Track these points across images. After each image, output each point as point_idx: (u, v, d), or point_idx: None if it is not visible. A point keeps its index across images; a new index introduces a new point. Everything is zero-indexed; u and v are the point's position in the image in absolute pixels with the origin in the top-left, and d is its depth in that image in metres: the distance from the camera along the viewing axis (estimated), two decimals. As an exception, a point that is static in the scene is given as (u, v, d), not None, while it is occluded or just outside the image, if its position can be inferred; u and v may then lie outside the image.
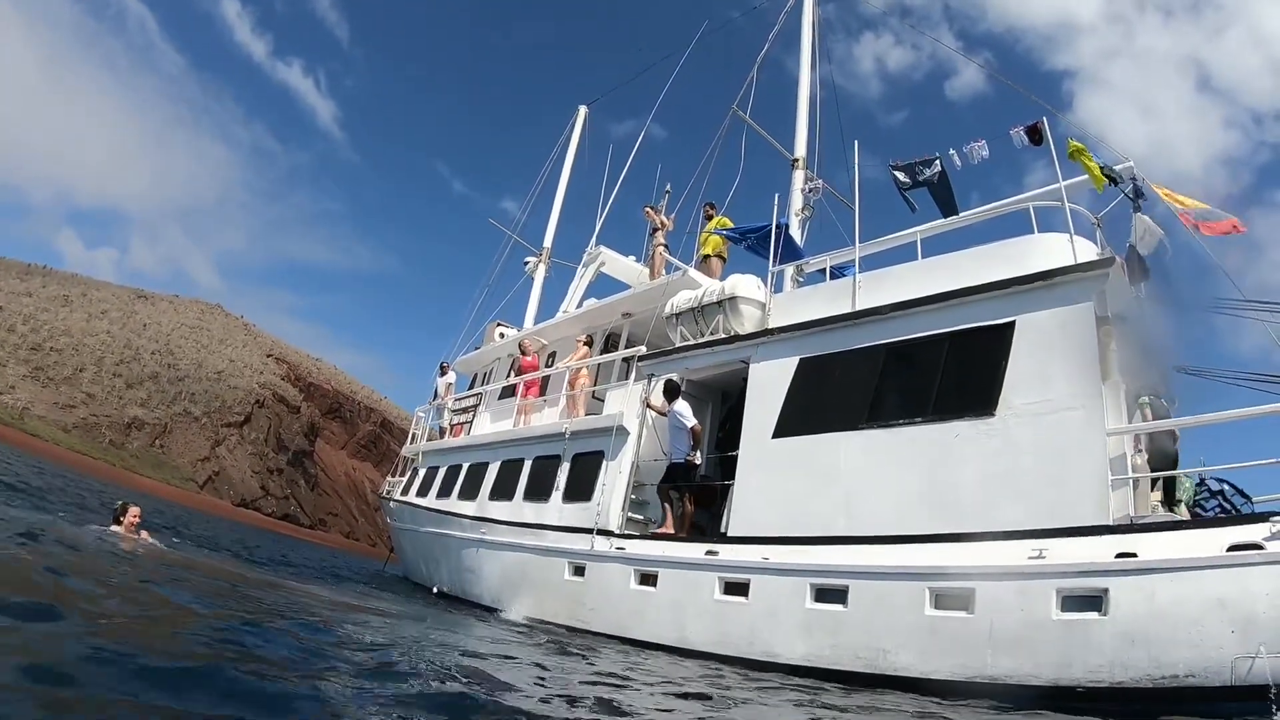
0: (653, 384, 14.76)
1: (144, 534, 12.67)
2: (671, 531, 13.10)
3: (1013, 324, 9.98)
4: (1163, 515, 8.94)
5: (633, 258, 22.77)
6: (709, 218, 19.02)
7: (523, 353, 20.27)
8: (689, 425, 13.27)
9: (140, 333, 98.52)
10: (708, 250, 18.54)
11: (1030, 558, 8.36)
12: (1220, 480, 9.62)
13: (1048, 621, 7.97)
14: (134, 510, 12.63)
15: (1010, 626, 8.20)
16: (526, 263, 29.36)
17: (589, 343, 18.52)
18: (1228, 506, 9.40)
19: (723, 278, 15.91)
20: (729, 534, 12.06)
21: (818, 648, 9.85)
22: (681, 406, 13.49)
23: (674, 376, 14.27)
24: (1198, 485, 9.75)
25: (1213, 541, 7.51)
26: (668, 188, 20.72)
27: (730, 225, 17.70)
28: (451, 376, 25.86)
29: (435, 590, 19.47)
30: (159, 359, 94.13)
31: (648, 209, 20.14)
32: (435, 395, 25.50)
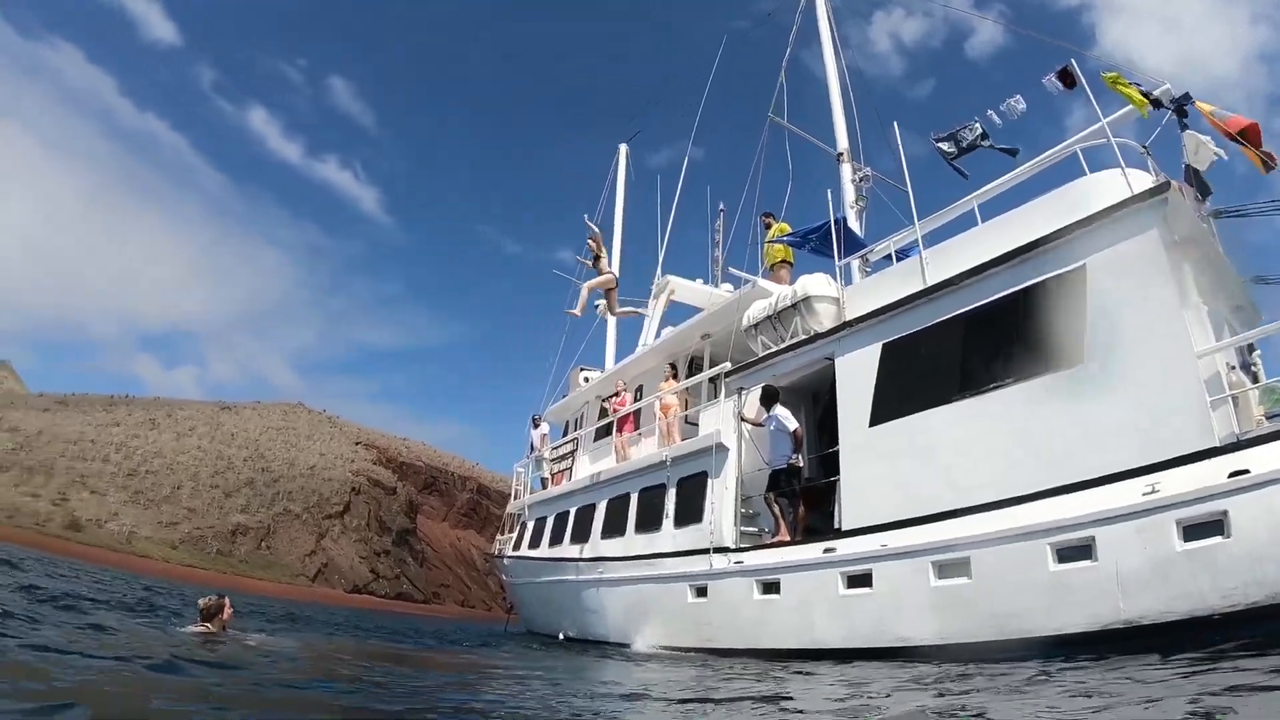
0: (744, 397, 14.91)
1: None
2: (787, 538, 13.15)
3: (1083, 267, 9.92)
4: (1269, 427, 8.81)
5: (699, 280, 22.98)
6: (768, 227, 19.15)
7: (616, 391, 20.49)
8: (791, 428, 13.40)
9: (229, 442, 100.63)
10: (774, 259, 18.68)
11: (1144, 494, 8.28)
12: None
13: (1172, 555, 7.87)
14: (227, 602, 11.10)
15: (1136, 567, 8.12)
16: (596, 306, 29.65)
17: (674, 371, 18.68)
18: None
19: (791, 281, 15.99)
20: (843, 528, 12.08)
21: (948, 624, 9.84)
22: (782, 411, 13.62)
23: (769, 383, 14.38)
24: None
25: None
26: (721, 206, 20.87)
27: (789, 230, 17.82)
28: (545, 427, 26.13)
29: (561, 636, 19.65)
30: (252, 464, 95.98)
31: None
32: (531, 449, 25.78)
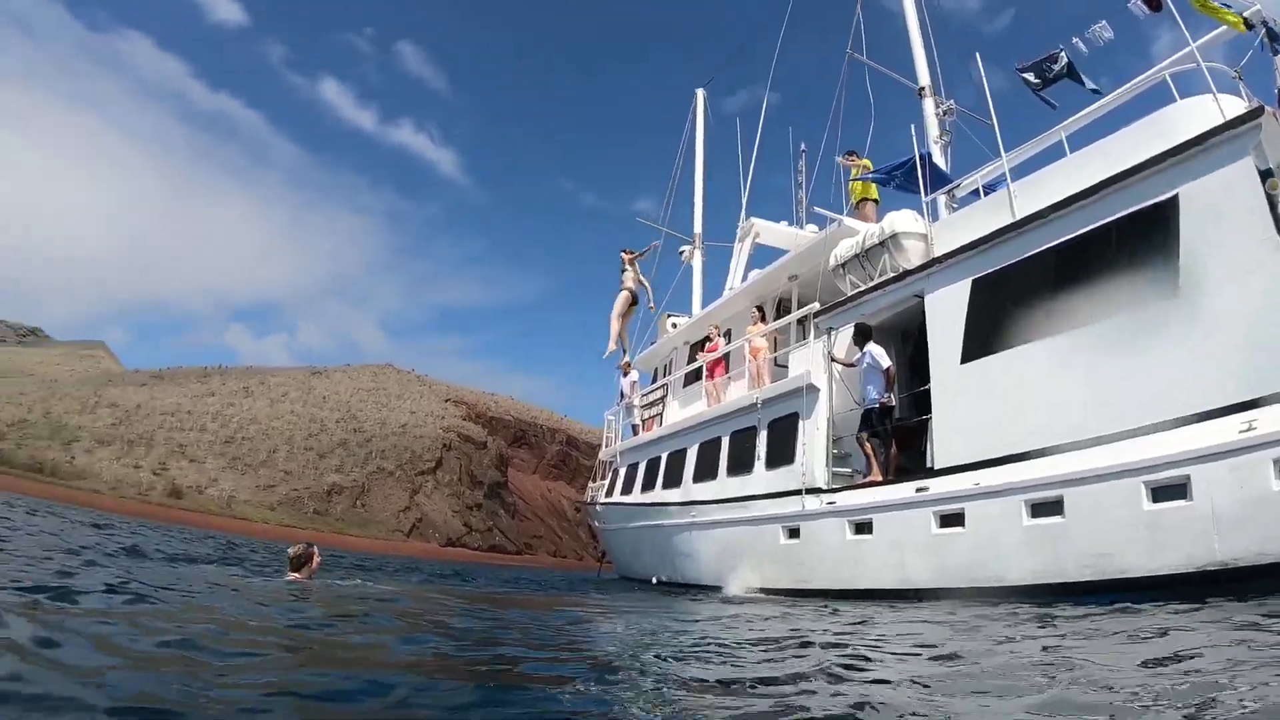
0: (833, 337, 14.92)
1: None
2: (879, 478, 13.18)
3: (1175, 197, 9.67)
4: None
5: (784, 223, 22.92)
6: (851, 165, 19.07)
7: (706, 339, 20.59)
8: (884, 366, 13.38)
9: (321, 405, 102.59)
10: (858, 196, 18.61)
11: (1240, 432, 8.14)
12: None
13: (1269, 494, 7.75)
14: (315, 551, 11.09)
15: (1231, 507, 8.02)
16: (682, 251, 29.76)
17: (762, 314, 18.70)
18: None
19: (877, 219, 15.90)
20: (935, 467, 12.07)
21: (1041, 564, 9.83)
22: (875, 349, 13.60)
23: (871, 323, 14.34)
24: None
25: None
26: (803, 147, 20.74)
27: (872, 167, 17.73)
28: (634, 375, 26.38)
29: (654, 581, 19.95)
30: (344, 426, 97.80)
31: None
32: (622, 396, 26.05)
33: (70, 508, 37.44)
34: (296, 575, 10.38)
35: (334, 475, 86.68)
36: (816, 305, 15.57)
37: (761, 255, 23.19)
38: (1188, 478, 8.43)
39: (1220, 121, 9.45)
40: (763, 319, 18.51)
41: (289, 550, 11.05)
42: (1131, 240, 10.11)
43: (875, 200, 18.64)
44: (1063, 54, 13.16)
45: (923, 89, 18.84)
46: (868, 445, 13.53)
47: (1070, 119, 12.61)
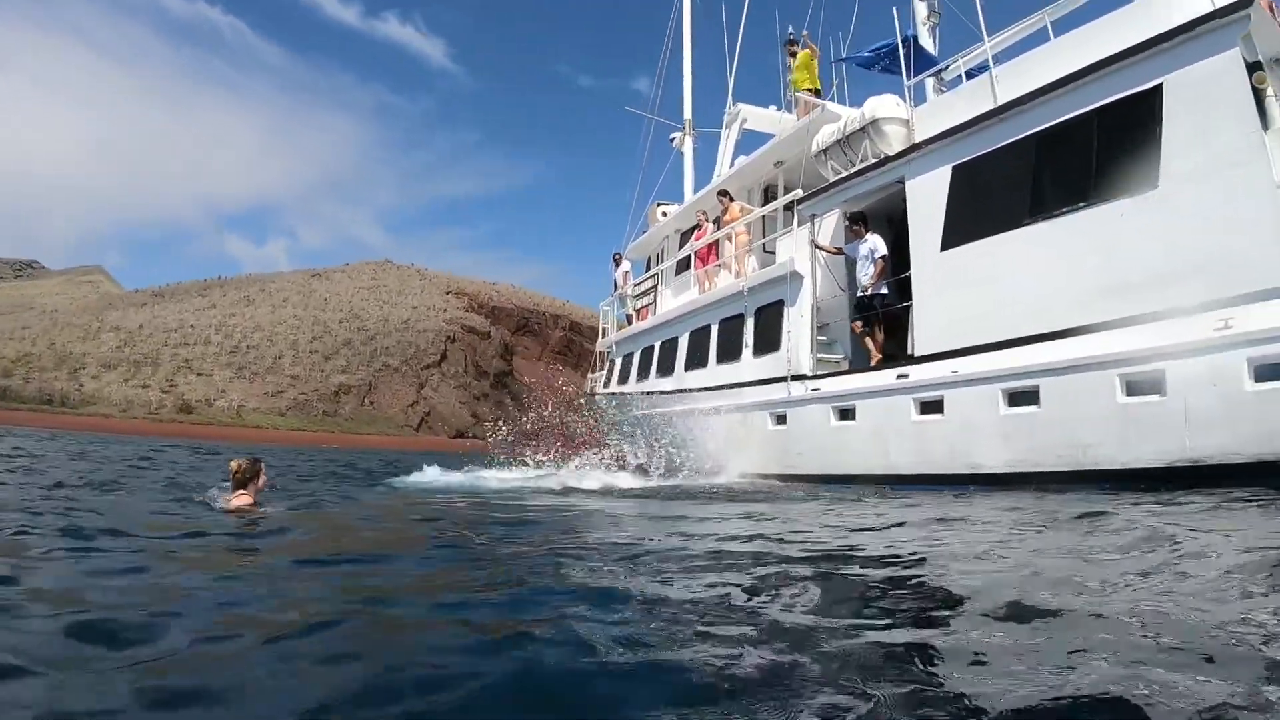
0: (817, 224, 14.87)
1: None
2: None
3: (1159, 87, 9.53)
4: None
5: (773, 107, 22.67)
6: (792, 55, 18.90)
7: (698, 222, 20.50)
8: (879, 255, 13.47)
9: (324, 307, 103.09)
10: (800, 86, 18.35)
11: (1216, 330, 8.21)
12: None
13: (1242, 394, 7.87)
14: (262, 466, 8.77)
15: (1205, 405, 8.15)
16: (672, 139, 29.41)
17: (729, 198, 18.63)
18: None
19: (857, 104, 15.68)
20: (915, 354, 12.19)
21: (1018, 453, 10.03)
22: (875, 238, 13.67)
23: (858, 209, 14.36)
24: None
25: None
26: (790, 30, 20.37)
27: (816, 52, 17.61)
28: (627, 265, 26.33)
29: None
30: (347, 326, 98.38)
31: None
32: (615, 287, 26.06)
33: (82, 435, 37.11)
34: (242, 497, 8.29)
35: (340, 376, 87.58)
36: (800, 192, 15.49)
37: (751, 140, 22.92)
38: (1163, 373, 8.55)
39: (1209, 10, 9.24)
40: (731, 204, 18.45)
41: (229, 463, 8.75)
42: (1113, 129, 10.02)
43: (817, 90, 18.33)
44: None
45: (913, -34, 18.47)
46: (862, 332, 13.71)
47: (1057, 2, 12.39)
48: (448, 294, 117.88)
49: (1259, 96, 8.76)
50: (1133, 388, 8.84)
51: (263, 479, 8.70)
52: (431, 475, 16.76)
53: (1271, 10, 9.47)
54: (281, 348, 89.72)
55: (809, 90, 18.22)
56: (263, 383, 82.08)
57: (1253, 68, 8.85)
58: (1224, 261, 8.59)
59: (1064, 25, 11.88)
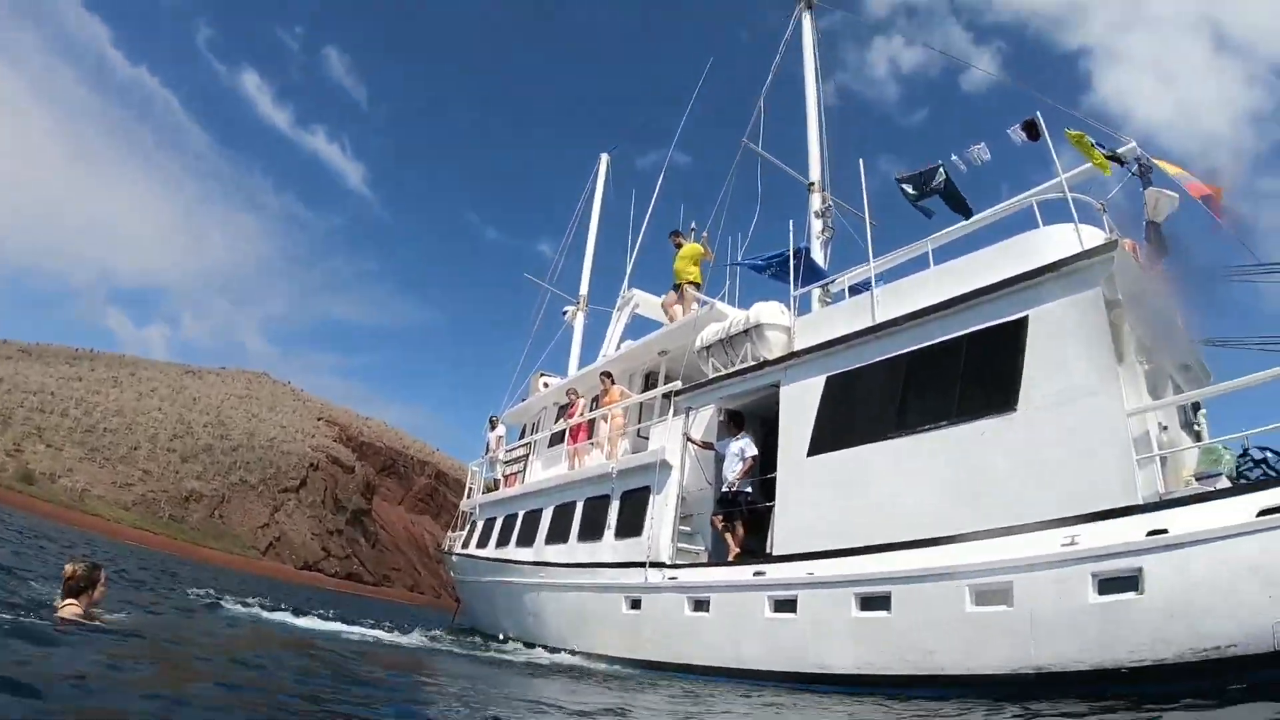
0: (692, 416, 15.08)
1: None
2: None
3: (1026, 318, 10.12)
4: (1195, 488, 8.94)
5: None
6: (678, 246, 19.51)
7: (570, 400, 20.60)
8: (749, 454, 13.63)
9: (191, 407, 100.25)
10: (684, 278, 18.83)
11: (1063, 545, 8.43)
12: (1263, 448, 9.54)
13: (1086, 606, 8.02)
14: (102, 575, 8.08)
15: (1050, 615, 8.28)
16: (565, 312, 29.85)
17: (611, 380, 18.83)
18: (1272, 474, 9.28)
19: (746, 306, 16.08)
20: (774, 553, 12.26)
21: (866, 655, 9.99)
22: (748, 441, 13.84)
23: (733, 407, 14.62)
24: (1239, 455, 9.70)
25: (1243, 509, 7.48)
26: (693, 225, 20.93)
27: (701, 251, 18.62)
28: (502, 429, 26.34)
29: (502, 637, 19.72)
30: (211, 431, 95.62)
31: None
32: (487, 449, 25.94)
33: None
34: (71, 607, 7.57)
35: (195, 481, 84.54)
36: (679, 384, 15.78)
37: (640, 325, 23.36)
38: (1011, 584, 8.69)
39: (1077, 251, 9.89)
40: (612, 386, 18.62)
41: (65, 568, 7.90)
42: (980, 355, 10.55)
43: (697, 283, 18.84)
44: (942, 170, 13.54)
45: (812, 184, 19.31)
46: (723, 527, 13.72)
47: (939, 232, 13.12)
48: (319, 420, 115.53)
49: (1115, 331, 9.39)
50: (981, 597, 8.96)
51: (100, 589, 7.92)
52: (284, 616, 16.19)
53: (1134, 251, 10.09)
54: (140, 438, 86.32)
55: (690, 282, 18.69)
56: (113, 471, 78.64)
57: (1111, 305, 9.51)
58: (1074, 482, 8.99)
59: (944, 253, 12.51)
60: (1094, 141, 11.94)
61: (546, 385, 25.46)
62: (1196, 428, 11.79)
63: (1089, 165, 11.99)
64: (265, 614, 16.19)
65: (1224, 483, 8.83)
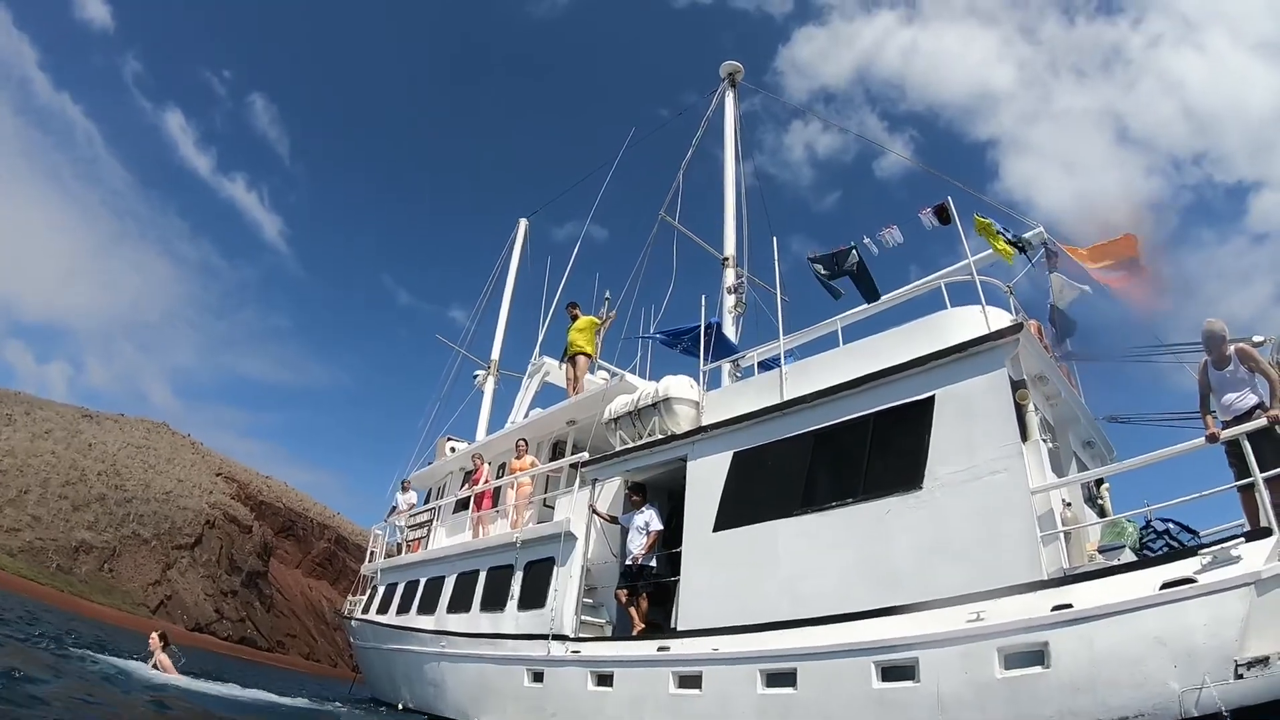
0: (598, 489, 15.02)
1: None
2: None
3: (932, 398, 10.30)
4: (1099, 563, 9.06)
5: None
6: (574, 318, 19.72)
7: (475, 466, 20.40)
8: (653, 528, 13.55)
9: (86, 453, 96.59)
10: (576, 349, 18.99)
11: (969, 621, 8.51)
12: (1165, 520, 9.73)
13: (992, 681, 8.08)
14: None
15: (957, 691, 8.31)
16: (475, 376, 29.67)
17: (526, 448, 18.72)
18: (1175, 545, 9.47)
19: (657, 378, 16.11)
20: (679, 628, 12.18)
21: None
22: (652, 513, 13.78)
23: (639, 479, 14.63)
24: (1142, 528, 9.86)
25: (1146, 582, 7.64)
26: (607, 294, 21.00)
27: (597, 323, 18.85)
28: (413, 496, 25.86)
29: (401, 707, 19.30)
30: (106, 480, 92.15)
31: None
32: (393, 510, 25.49)
33: None
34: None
35: (85, 532, 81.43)
36: (586, 455, 15.71)
37: (550, 394, 23.30)
38: (916, 660, 8.72)
39: (983, 332, 10.15)
40: (523, 456, 18.51)
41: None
42: (887, 432, 10.69)
43: (588, 355, 19.01)
44: (854, 251, 13.79)
45: (726, 259, 19.54)
46: (626, 600, 13.56)
47: (849, 311, 13.38)
48: (218, 476, 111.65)
49: (1020, 411, 9.54)
50: (888, 673, 8.97)
51: None
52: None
53: (1039, 333, 10.33)
54: (30, 482, 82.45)
55: (581, 353, 18.78)
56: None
57: (1016, 385, 9.70)
58: (979, 558, 9.09)
59: (854, 332, 12.71)
60: (999, 228, 12.25)
61: (454, 450, 25.20)
62: (1100, 502, 11.97)
63: (990, 252, 12.30)
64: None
65: (1128, 555, 9.00)
